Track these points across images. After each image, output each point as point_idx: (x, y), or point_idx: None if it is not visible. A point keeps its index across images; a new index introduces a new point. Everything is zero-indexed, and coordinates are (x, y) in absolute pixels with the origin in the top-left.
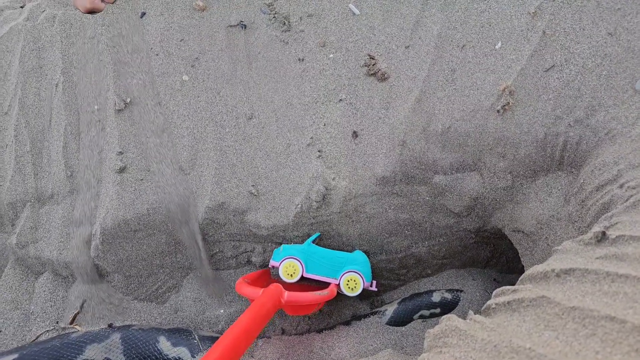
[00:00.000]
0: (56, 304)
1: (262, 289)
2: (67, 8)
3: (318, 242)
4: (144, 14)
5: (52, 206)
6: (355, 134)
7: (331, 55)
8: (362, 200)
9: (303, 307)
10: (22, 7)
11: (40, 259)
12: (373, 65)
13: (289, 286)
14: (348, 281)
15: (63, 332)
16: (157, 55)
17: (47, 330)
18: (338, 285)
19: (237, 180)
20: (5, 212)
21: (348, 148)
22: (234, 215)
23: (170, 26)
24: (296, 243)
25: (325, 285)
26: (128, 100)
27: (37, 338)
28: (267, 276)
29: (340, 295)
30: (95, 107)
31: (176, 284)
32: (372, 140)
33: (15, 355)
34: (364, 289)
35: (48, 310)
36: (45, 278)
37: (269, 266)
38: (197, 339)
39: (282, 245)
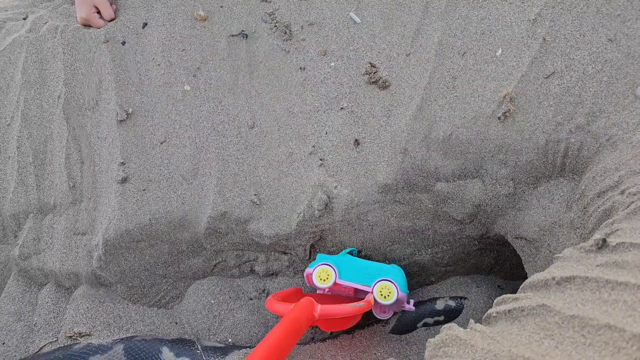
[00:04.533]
0: (59, 315)
1: (294, 305)
2: (70, 19)
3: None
4: (145, 24)
5: (54, 217)
6: (357, 142)
7: (332, 64)
8: (364, 208)
9: (338, 321)
10: (24, 18)
11: (43, 270)
12: (374, 73)
13: (322, 300)
14: (381, 289)
15: (66, 344)
16: (158, 65)
17: (50, 342)
18: (372, 293)
19: (239, 190)
20: (8, 224)
21: (350, 156)
22: (236, 225)
23: (172, 36)
24: (300, 252)
25: (361, 297)
26: (130, 110)
27: (40, 350)
28: (299, 295)
29: None
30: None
31: (179, 293)
32: (374, 148)
33: None
34: (400, 308)
35: (51, 322)
36: (48, 289)
37: (304, 274)
38: (200, 349)
39: (318, 254)
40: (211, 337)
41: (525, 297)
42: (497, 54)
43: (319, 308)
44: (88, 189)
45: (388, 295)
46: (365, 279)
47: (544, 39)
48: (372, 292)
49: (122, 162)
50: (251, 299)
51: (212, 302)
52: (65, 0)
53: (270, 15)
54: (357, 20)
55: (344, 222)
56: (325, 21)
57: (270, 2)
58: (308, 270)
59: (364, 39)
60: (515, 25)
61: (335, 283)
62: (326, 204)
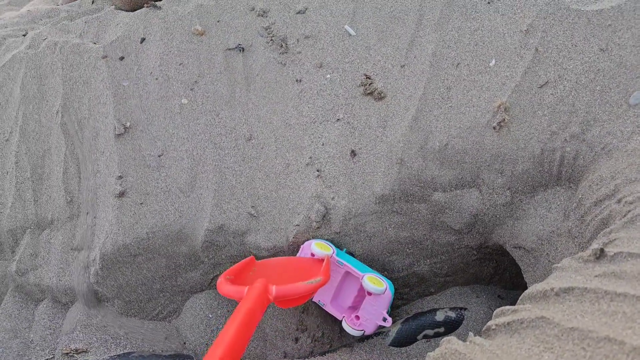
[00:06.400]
0: (55, 331)
1: (247, 287)
2: (69, 35)
3: None
4: (143, 39)
5: (51, 232)
6: (353, 153)
7: (328, 76)
8: (362, 219)
9: (294, 299)
10: (24, 35)
11: (40, 286)
12: (370, 84)
13: (277, 279)
14: (372, 279)
15: None
16: (156, 79)
17: (47, 359)
18: (328, 259)
19: (236, 202)
20: (5, 239)
21: (347, 167)
22: (233, 237)
23: (170, 51)
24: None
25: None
26: (128, 124)
27: None
28: (252, 265)
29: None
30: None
31: (177, 308)
32: (371, 158)
33: None
34: (377, 323)
35: (48, 339)
36: (45, 305)
37: (301, 246)
38: None
39: (320, 239)
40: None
41: (524, 309)
42: (491, 64)
43: (274, 290)
44: (86, 203)
45: (378, 284)
46: (358, 268)
47: (537, 50)
48: (331, 258)
49: (120, 176)
50: None
51: (210, 316)
52: (64, 17)
53: (267, 29)
54: (352, 32)
55: (341, 234)
56: (321, 34)
57: (267, 16)
58: (308, 241)
59: (359, 51)
60: (508, 36)
61: (332, 256)
62: (323, 215)
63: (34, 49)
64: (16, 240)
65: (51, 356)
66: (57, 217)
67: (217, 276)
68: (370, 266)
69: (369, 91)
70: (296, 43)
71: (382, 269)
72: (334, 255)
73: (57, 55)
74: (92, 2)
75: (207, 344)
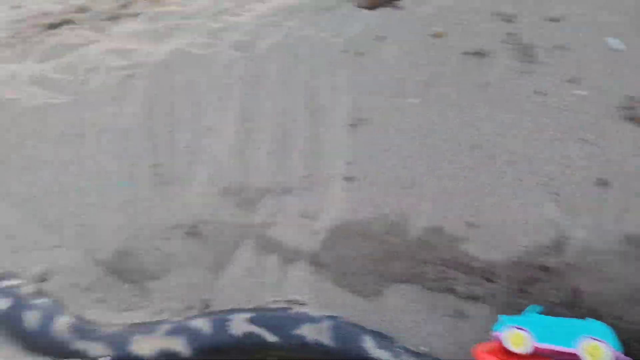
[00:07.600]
0: (281, 280)
1: None
2: (316, 28)
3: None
4: (382, 37)
5: (290, 198)
6: (602, 182)
7: (578, 92)
8: (603, 257)
9: None
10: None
11: (274, 240)
12: (633, 109)
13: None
14: (589, 349)
15: (284, 307)
16: (390, 77)
17: (275, 300)
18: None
19: (455, 207)
20: (254, 196)
21: (592, 196)
22: (448, 241)
23: (406, 50)
24: (508, 285)
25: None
26: (362, 116)
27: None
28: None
29: None
30: None
31: (379, 290)
32: (625, 192)
33: (251, 314)
34: None
35: (275, 287)
36: (273, 259)
37: (491, 337)
38: (400, 347)
39: (501, 316)
40: (404, 341)
41: None
42: None
43: None
44: (318, 180)
45: (598, 356)
46: (567, 340)
47: None
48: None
49: (349, 162)
50: (446, 316)
51: (412, 306)
52: (309, 12)
53: (511, 35)
54: (619, 47)
55: (572, 267)
56: (576, 46)
57: (513, 21)
58: (496, 332)
59: (626, 69)
60: None
61: (533, 347)
62: (556, 243)
63: (289, 38)
64: (260, 199)
65: (279, 299)
66: (296, 186)
67: (421, 274)
68: (600, 315)
69: (630, 116)
70: (544, 53)
71: (619, 320)
72: (537, 341)
73: (306, 48)
74: None
75: (405, 333)
